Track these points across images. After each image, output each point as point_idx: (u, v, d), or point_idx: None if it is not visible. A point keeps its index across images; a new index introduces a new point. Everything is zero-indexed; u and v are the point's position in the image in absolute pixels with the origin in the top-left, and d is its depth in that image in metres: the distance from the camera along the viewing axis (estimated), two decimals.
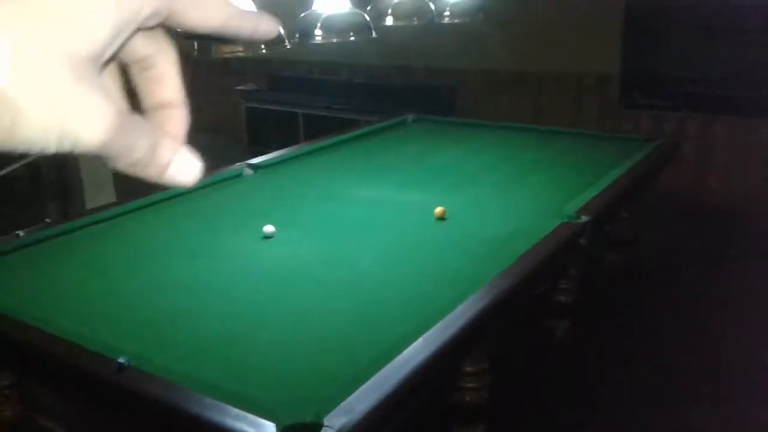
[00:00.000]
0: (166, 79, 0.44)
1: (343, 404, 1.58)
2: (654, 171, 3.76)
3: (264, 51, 2.46)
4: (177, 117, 0.45)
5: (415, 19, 3.57)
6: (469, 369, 2.38)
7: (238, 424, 1.53)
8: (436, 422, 2.55)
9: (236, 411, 1.57)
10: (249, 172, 3.68)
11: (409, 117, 4.86)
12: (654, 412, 2.81)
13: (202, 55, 2.42)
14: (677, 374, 3.07)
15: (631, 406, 2.86)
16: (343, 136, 4.45)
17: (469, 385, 2.41)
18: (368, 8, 3.25)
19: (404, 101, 5.75)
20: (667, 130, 5.16)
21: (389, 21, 3.48)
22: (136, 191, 3.37)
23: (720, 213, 4.98)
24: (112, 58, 0.39)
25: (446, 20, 3.98)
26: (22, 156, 2.42)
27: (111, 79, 0.42)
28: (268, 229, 2.76)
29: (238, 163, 3.76)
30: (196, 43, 2.46)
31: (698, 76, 5.03)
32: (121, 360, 1.75)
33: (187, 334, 2.03)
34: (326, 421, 1.51)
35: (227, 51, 2.47)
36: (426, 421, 2.53)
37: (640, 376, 3.07)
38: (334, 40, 3.00)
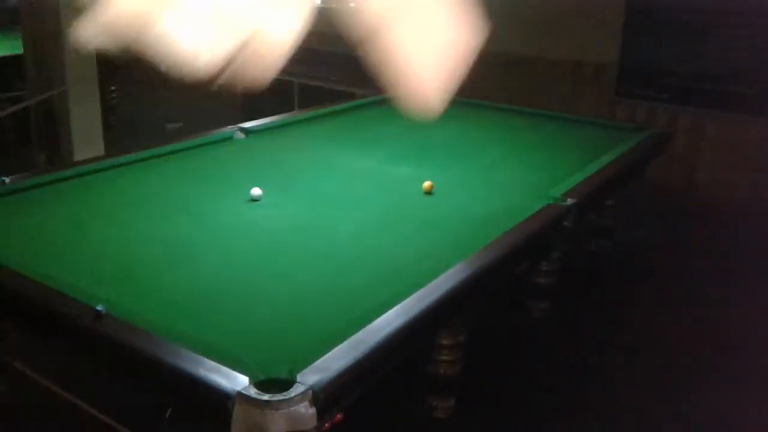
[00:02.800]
0: None
1: (317, 363, 1.60)
2: (643, 160, 3.78)
3: None
4: None
5: None
6: (445, 342, 2.42)
7: (212, 376, 1.55)
8: (411, 391, 2.59)
9: (211, 363, 1.58)
10: (240, 135, 3.67)
11: None
12: (632, 394, 2.86)
13: None
14: (655, 362, 3.11)
15: (606, 387, 2.91)
16: (337, 107, 4.44)
17: (444, 357, 2.45)
18: None
19: None
20: (661, 121, 5.18)
21: None
22: (126, 148, 3.36)
23: (706, 208, 5.01)
24: None
25: None
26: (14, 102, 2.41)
27: None
28: (256, 191, 2.77)
29: (230, 126, 3.75)
30: None
31: (694, 70, 5.04)
32: (98, 307, 1.76)
33: (167, 286, 2.04)
34: (299, 378, 1.53)
35: None
36: (401, 389, 2.57)
37: (617, 362, 3.11)
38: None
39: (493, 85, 5.97)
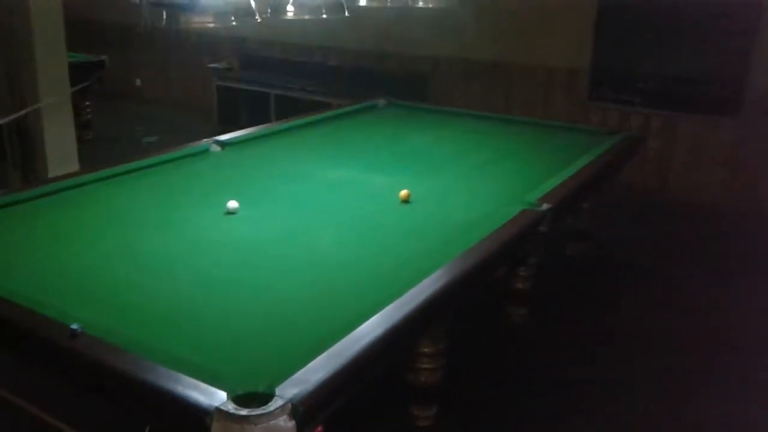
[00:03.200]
0: None
1: (296, 375, 1.59)
2: (617, 163, 3.83)
3: (234, 23, 2.44)
4: None
5: (389, 1, 3.58)
6: (425, 350, 2.42)
7: (190, 392, 1.54)
8: (393, 400, 2.59)
9: (189, 379, 1.57)
10: (216, 148, 3.66)
11: (381, 101, 4.87)
12: (612, 399, 2.88)
13: (171, 25, 2.40)
14: (629, 365, 3.14)
15: (586, 393, 2.93)
16: (313, 118, 4.45)
17: (425, 365, 2.45)
18: None
19: (377, 86, 5.75)
20: (634, 125, 5.25)
21: (363, 1, 3.48)
22: (101, 163, 3.34)
23: (679, 209, 5.09)
24: None
25: (421, 4, 4.00)
26: None
27: None
28: (232, 204, 2.76)
29: (205, 139, 3.74)
30: (164, 12, 2.45)
31: (665, 73, 5.13)
32: (73, 326, 1.74)
33: (143, 303, 2.02)
34: (278, 391, 1.53)
35: (196, 21, 2.45)
36: (383, 398, 2.57)
37: (599, 365, 3.14)
38: (306, 17, 2.99)
39: (467, 92, 6.04)
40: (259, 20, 2.51)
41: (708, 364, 3.15)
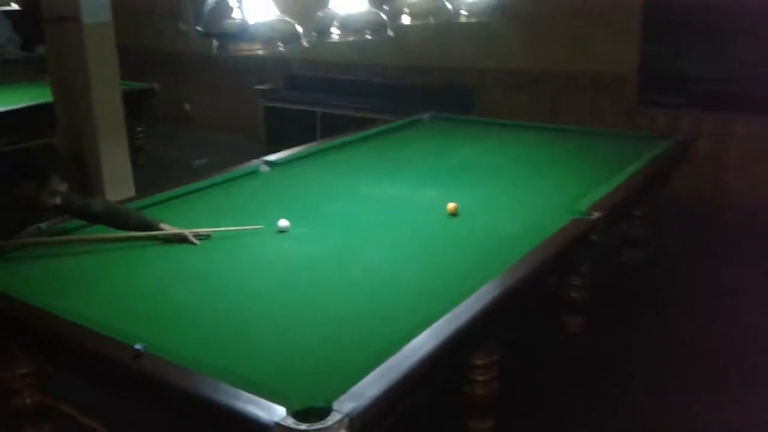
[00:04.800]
0: None
1: (352, 390, 1.62)
2: (668, 168, 3.76)
3: (282, 49, 2.50)
4: None
5: (432, 18, 3.60)
6: (479, 362, 2.41)
7: (249, 408, 1.57)
8: (449, 414, 2.58)
9: (247, 395, 1.61)
10: (265, 168, 3.73)
11: (425, 116, 4.89)
12: (669, 411, 2.81)
13: (222, 53, 2.47)
14: (694, 373, 3.07)
15: (645, 404, 2.87)
16: (359, 135, 4.49)
17: (479, 377, 2.44)
18: (385, 7, 3.29)
19: (421, 101, 5.78)
20: (684, 128, 5.14)
21: (406, 20, 3.51)
22: (155, 187, 3.44)
23: (735, 212, 4.95)
24: None
25: (463, 19, 4.01)
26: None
27: None
28: (283, 223, 2.81)
29: (254, 160, 3.82)
30: (215, 41, 2.52)
31: (716, 74, 5.01)
32: (137, 346, 1.80)
33: (201, 322, 2.08)
34: (335, 405, 1.56)
35: (245, 49, 2.52)
36: (439, 412, 2.57)
37: (660, 374, 3.07)
38: (351, 39, 3.04)
39: (512, 103, 6.01)
40: (306, 45, 2.56)
41: None
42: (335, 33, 3.02)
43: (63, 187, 2.53)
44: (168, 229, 2.72)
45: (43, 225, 2.80)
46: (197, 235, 2.70)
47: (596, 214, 2.79)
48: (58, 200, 2.53)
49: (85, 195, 2.63)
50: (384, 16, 3.15)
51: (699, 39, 5.05)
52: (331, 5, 3.01)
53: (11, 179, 2.49)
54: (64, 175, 2.58)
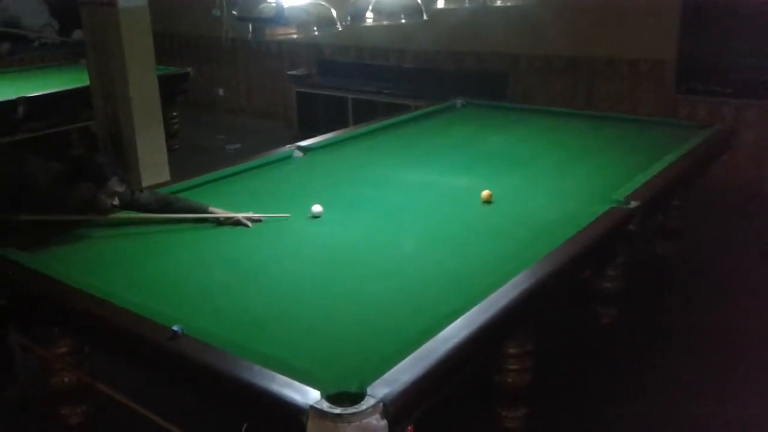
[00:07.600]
0: None
1: (386, 375, 1.62)
2: (708, 158, 3.68)
3: (316, 33, 2.49)
4: None
5: (467, 1, 3.56)
6: (512, 351, 2.40)
7: (284, 391, 1.59)
8: (481, 402, 2.57)
9: (283, 378, 1.62)
10: (299, 154, 3.74)
11: (458, 102, 4.85)
12: (703, 405, 2.77)
13: (257, 37, 2.48)
14: (730, 368, 3.01)
15: (676, 397, 2.83)
16: (392, 120, 4.47)
17: (512, 366, 2.42)
18: None
19: (455, 86, 5.73)
20: (725, 117, 5.02)
21: (440, 3, 3.48)
22: (190, 173, 3.47)
23: None
24: None
25: (498, 2, 3.96)
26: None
27: None
28: (316, 208, 2.82)
29: (288, 145, 3.83)
30: (250, 26, 2.52)
31: (758, 63, 4.88)
32: (175, 328, 1.82)
33: (238, 306, 2.10)
34: (369, 390, 1.56)
35: (280, 33, 2.52)
36: (471, 399, 2.56)
37: (690, 368, 3.03)
38: (385, 23, 3.02)
39: (548, 89, 5.93)
40: (340, 29, 2.55)
41: None
42: (369, 17, 3.00)
43: (121, 188, 2.58)
44: (219, 212, 2.75)
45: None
46: (249, 219, 2.72)
47: (634, 204, 2.74)
48: (116, 201, 2.58)
49: (132, 191, 2.68)
50: (419, 0, 3.12)
51: (740, 27, 4.91)
52: None
53: (73, 180, 2.55)
54: (123, 177, 2.63)
